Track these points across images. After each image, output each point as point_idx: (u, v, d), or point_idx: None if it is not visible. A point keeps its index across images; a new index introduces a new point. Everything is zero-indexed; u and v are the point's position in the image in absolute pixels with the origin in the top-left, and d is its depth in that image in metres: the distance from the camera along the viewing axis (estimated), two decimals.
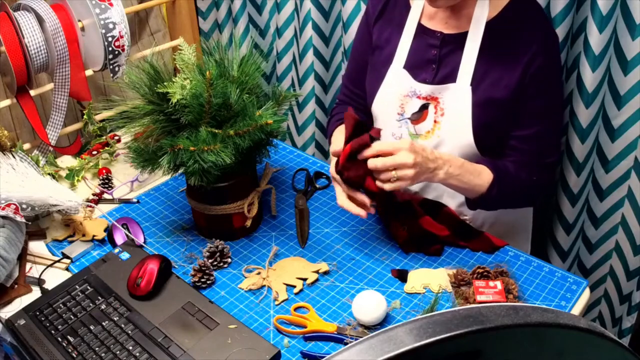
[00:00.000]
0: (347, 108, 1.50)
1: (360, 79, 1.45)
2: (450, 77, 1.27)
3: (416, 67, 1.31)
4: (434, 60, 1.29)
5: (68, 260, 1.27)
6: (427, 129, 1.31)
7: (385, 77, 1.35)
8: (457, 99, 1.26)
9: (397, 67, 1.33)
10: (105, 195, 1.47)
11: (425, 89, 1.30)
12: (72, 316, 1.09)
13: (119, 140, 1.66)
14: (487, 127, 1.25)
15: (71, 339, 1.05)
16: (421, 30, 1.31)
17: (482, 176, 1.23)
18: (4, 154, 1.33)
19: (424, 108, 1.30)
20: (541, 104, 1.24)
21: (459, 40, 1.25)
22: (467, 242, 1.27)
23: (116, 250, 1.24)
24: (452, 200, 1.36)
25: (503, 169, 1.26)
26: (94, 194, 1.46)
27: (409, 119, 1.33)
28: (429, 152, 1.15)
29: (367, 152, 1.14)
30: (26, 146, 1.56)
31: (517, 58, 1.21)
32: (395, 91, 1.34)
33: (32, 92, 1.56)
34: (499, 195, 1.25)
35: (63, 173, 1.54)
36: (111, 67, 1.58)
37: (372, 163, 1.12)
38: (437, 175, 1.17)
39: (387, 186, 1.14)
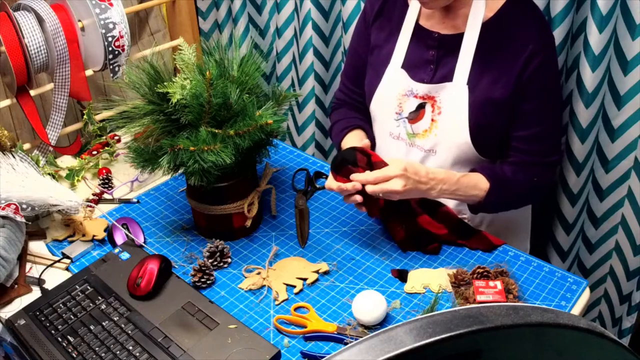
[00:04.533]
0: (346, 112, 1.50)
1: (358, 78, 1.45)
2: (447, 77, 1.27)
3: (414, 67, 1.32)
4: (432, 60, 1.29)
5: (68, 260, 1.27)
6: (424, 128, 1.31)
7: (383, 77, 1.36)
8: (453, 98, 1.26)
9: (395, 67, 1.34)
10: (105, 195, 1.47)
11: (422, 88, 1.30)
12: (72, 316, 1.09)
13: (119, 140, 1.66)
14: (484, 127, 1.26)
15: (71, 339, 1.05)
16: (419, 30, 1.31)
17: (479, 186, 1.25)
18: (4, 154, 1.33)
19: (420, 107, 1.31)
20: (541, 104, 1.24)
21: (456, 40, 1.25)
22: (465, 240, 1.27)
23: (116, 250, 1.24)
24: (451, 201, 1.36)
25: (500, 175, 1.26)
26: (94, 194, 1.46)
27: (406, 118, 1.33)
28: (422, 175, 1.18)
29: (362, 178, 1.17)
30: (26, 146, 1.56)
31: (515, 58, 1.21)
32: (393, 91, 1.34)
33: (32, 92, 1.56)
34: (498, 200, 1.27)
35: (63, 173, 1.54)
36: (111, 67, 1.58)
37: (369, 189, 1.17)
38: (429, 194, 1.22)
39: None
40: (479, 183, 1.25)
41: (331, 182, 1.21)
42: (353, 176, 1.18)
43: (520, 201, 1.38)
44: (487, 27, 1.23)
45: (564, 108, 1.46)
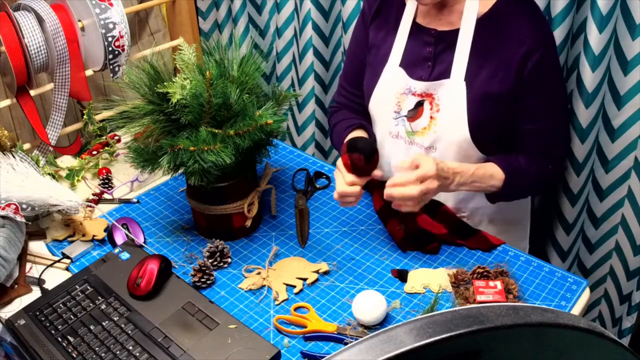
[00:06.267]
0: (346, 114, 1.50)
1: (358, 79, 1.45)
2: (445, 73, 1.27)
3: (412, 65, 1.32)
4: (430, 57, 1.30)
5: (68, 260, 1.27)
6: (423, 126, 1.31)
7: (381, 76, 1.36)
8: (451, 95, 1.26)
9: (393, 65, 1.34)
10: (105, 195, 1.47)
11: (420, 86, 1.30)
12: (72, 316, 1.09)
13: (119, 140, 1.66)
14: (483, 122, 1.26)
15: (71, 339, 1.05)
16: (416, 28, 1.32)
17: (495, 177, 1.25)
18: (4, 154, 1.33)
19: (419, 105, 1.31)
20: (544, 98, 1.25)
21: (453, 36, 1.26)
22: (464, 240, 1.27)
23: (116, 250, 1.24)
24: (451, 199, 1.36)
25: (515, 166, 1.27)
26: (94, 194, 1.46)
27: (405, 116, 1.33)
28: (445, 172, 1.17)
29: (389, 182, 1.16)
30: (26, 146, 1.56)
31: (511, 52, 1.21)
32: (392, 89, 1.34)
33: (32, 92, 1.56)
34: (513, 190, 1.28)
35: (63, 173, 1.54)
36: (111, 67, 1.58)
37: (387, 192, 1.16)
38: (447, 188, 1.22)
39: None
40: (495, 174, 1.25)
41: (344, 177, 1.20)
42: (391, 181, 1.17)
43: (535, 189, 1.41)
44: (482, 23, 1.24)
45: (567, 100, 1.46)
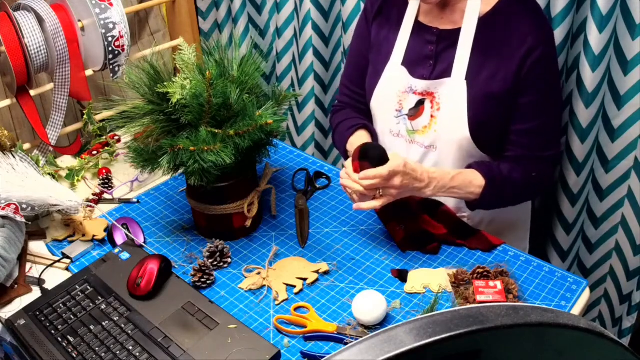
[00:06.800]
0: (349, 113, 1.49)
1: (361, 77, 1.45)
2: (446, 72, 1.28)
3: (414, 64, 1.32)
4: (431, 56, 1.30)
5: (68, 260, 1.27)
6: (424, 124, 1.31)
7: (382, 75, 1.36)
8: (452, 94, 1.26)
9: (395, 64, 1.34)
10: (105, 195, 1.47)
11: (421, 84, 1.30)
12: (72, 316, 1.09)
13: (119, 140, 1.66)
14: (483, 122, 1.26)
15: (71, 339, 1.05)
16: (418, 26, 1.32)
17: (474, 183, 1.24)
18: (4, 154, 1.33)
19: (420, 104, 1.31)
20: (540, 97, 1.25)
21: (455, 35, 1.26)
22: (464, 240, 1.27)
23: (116, 250, 1.24)
24: (451, 199, 1.36)
25: (496, 173, 1.26)
26: (94, 194, 1.47)
27: (406, 115, 1.33)
28: (419, 173, 1.18)
29: (366, 174, 1.16)
30: (26, 146, 1.56)
31: (513, 52, 1.21)
32: (393, 88, 1.34)
33: (32, 92, 1.56)
34: (493, 199, 1.27)
35: (63, 173, 1.54)
36: (111, 67, 1.58)
37: (365, 183, 1.16)
38: (424, 193, 1.21)
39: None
40: (475, 180, 1.24)
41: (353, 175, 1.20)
42: (364, 174, 1.16)
43: (517, 199, 1.37)
44: (484, 22, 1.24)
45: (564, 108, 1.46)
